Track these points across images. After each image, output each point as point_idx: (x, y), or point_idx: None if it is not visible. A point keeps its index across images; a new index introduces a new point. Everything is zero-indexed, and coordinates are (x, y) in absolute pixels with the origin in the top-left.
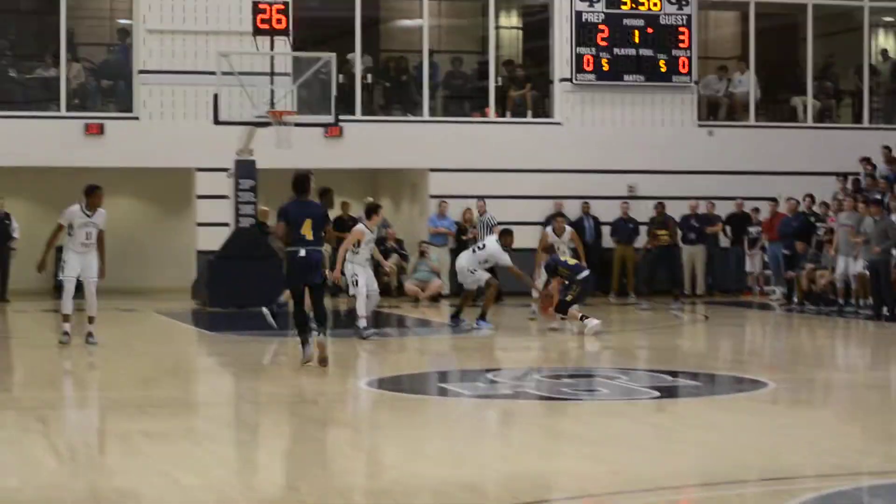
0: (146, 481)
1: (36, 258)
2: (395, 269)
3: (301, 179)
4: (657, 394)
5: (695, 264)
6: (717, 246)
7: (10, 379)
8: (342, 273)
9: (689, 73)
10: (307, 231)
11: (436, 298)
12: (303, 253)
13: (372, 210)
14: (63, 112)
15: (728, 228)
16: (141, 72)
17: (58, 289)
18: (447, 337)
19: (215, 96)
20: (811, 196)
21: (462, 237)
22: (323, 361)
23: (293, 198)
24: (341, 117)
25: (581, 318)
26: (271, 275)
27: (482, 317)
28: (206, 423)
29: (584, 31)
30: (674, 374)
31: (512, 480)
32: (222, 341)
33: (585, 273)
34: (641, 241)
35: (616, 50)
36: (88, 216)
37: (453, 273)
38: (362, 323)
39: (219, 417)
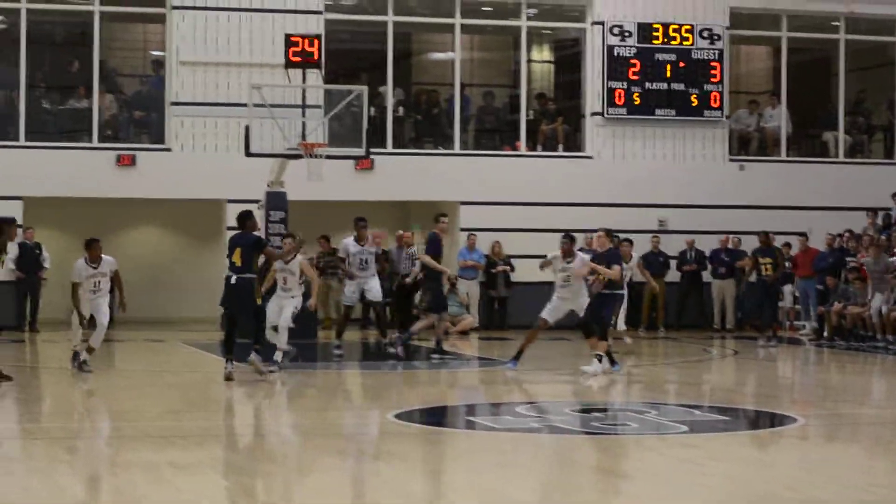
0: None
1: (68, 294)
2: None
3: (241, 215)
4: (686, 428)
5: (724, 298)
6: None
7: (38, 409)
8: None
9: (721, 107)
10: (236, 258)
11: (465, 332)
12: (233, 280)
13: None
14: (95, 143)
15: None
16: (173, 103)
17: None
18: (477, 370)
19: (247, 128)
20: (850, 231)
21: (492, 270)
22: (260, 373)
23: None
24: (372, 150)
25: (602, 356)
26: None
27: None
28: (234, 455)
29: (615, 66)
30: (703, 408)
31: None
32: (250, 372)
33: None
34: (672, 275)
35: (648, 84)
36: (94, 268)
37: (483, 306)
38: (277, 356)
39: (246, 449)
